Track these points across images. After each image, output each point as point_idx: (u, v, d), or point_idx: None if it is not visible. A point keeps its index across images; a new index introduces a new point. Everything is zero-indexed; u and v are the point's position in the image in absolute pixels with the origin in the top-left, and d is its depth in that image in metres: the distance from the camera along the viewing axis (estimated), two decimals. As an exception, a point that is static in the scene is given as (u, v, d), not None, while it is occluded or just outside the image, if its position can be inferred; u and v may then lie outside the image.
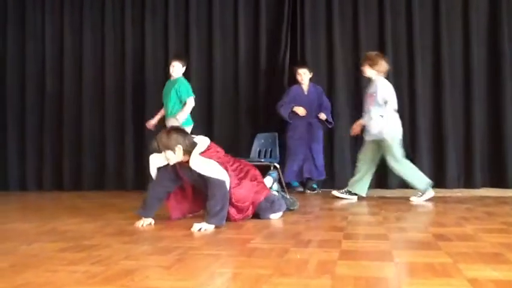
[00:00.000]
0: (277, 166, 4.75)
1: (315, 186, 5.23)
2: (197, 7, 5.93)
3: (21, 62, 6.36)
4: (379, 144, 4.24)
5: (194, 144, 3.06)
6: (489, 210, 3.34)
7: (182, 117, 4.67)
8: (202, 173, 2.97)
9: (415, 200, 4.15)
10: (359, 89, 5.29)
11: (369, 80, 4.36)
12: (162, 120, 4.93)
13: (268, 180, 3.51)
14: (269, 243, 2.33)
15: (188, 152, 3.01)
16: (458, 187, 5.16)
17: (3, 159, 6.28)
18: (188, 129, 4.64)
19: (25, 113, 6.32)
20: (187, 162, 3.01)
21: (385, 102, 4.18)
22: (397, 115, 4.28)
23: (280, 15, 5.72)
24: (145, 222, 3.02)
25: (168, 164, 3.13)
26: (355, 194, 4.36)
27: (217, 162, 3.02)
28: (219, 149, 3.19)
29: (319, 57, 5.61)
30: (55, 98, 6.25)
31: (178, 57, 4.92)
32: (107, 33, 6.13)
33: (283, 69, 5.64)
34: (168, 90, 4.83)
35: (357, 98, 5.23)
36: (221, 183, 2.95)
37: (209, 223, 2.80)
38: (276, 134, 5.16)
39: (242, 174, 3.20)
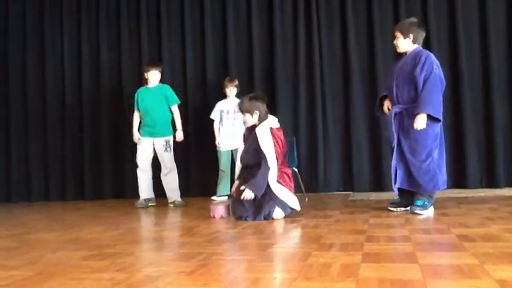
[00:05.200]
0: (296, 170, 4.71)
1: (418, 202, 3.36)
2: (211, 10, 5.98)
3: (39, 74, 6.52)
4: None
5: (267, 115, 3.63)
6: (514, 210, 3.27)
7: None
8: (260, 142, 3.47)
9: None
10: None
11: None
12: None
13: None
14: (291, 247, 2.32)
15: (261, 119, 3.59)
16: (481, 187, 5.07)
17: (26, 171, 6.39)
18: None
19: (46, 124, 6.43)
20: (256, 126, 3.58)
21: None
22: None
23: (294, 14, 5.73)
24: None
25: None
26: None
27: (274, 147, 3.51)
28: (282, 136, 3.60)
29: (335, 54, 5.62)
30: (74, 108, 6.35)
31: (157, 65, 5.11)
32: (122, 44, 6.24)
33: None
34: (154, 97, 4.97)
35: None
36: (268, 162, 3.41)
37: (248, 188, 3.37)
38: (294, 138, 5.05)
39: (279, 173, 3.53)
